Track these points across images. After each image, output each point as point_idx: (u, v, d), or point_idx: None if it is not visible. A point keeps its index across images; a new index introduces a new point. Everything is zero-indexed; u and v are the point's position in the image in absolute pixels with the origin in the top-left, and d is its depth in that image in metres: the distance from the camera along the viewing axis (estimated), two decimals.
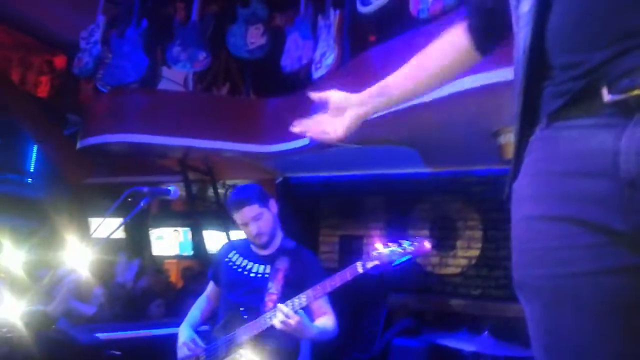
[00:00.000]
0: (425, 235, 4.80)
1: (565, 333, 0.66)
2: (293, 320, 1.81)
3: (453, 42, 0.97)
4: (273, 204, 2.18)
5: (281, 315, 1.82)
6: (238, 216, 2.11)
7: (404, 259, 1.79)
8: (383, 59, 3.35)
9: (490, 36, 0.95)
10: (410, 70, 1.00)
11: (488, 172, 4.59)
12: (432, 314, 4.47)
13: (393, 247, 1.79)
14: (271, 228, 2.14)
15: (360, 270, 1.79)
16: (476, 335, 3.06)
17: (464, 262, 4.66)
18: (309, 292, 1.88)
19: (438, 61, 0.98)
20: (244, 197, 2.12)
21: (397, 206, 5.07)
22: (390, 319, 4.43)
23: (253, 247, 2.21)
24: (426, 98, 2.84)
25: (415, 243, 1.79)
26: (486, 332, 3.03)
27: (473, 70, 2.60)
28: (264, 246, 2.15)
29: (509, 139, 3.30)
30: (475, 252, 4.62)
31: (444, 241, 4.74)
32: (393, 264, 1.79)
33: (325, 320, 2.03)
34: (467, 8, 0.96)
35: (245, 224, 2.10)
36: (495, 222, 4.57)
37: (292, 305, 1.87)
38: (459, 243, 4.69)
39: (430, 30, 2.96)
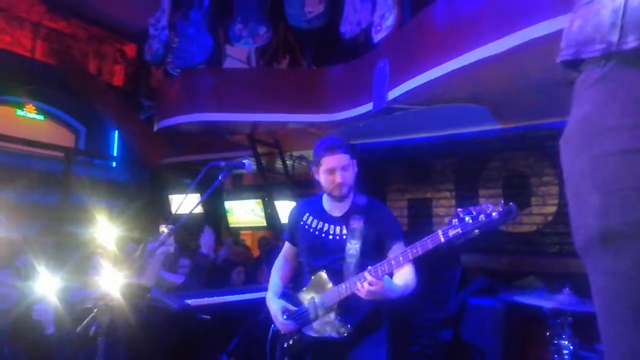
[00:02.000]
0: (497, 194, 4.68)
1: None
2: (378, 287, 1.80)
3: None
4: (356, 164, 2.15)
5: (367, 284, 1.81)
6: (329, 160, 2.05)
7: (487, 227, 1.64)
8: (444, 14, 3.24)
9: None
10: None
11: (560, 124, 4.35)
12: (507, 273, 4.39)
13: (476, 213, 1.66)
14: (352, 182, 2.11)
15: (442, 239, 1.70)
16: (555, 293, 2.99)
17: (539, 219, 4.51)
18: (392, 260, 1.84)
19: None
20: (338, 143, 2.08)
21: (466, 167, 4.96)
22: (464, 279, 4.40)
23: (327, 207, 2.19)
24: (498, 49, 2.73)
25: (500, 208, 1.63)
26: (566, 289, 2.95)
27: (544, 15, 2.48)
28: (341, 199, 2.11)
29: None
30: (551, 209, 4.45)
31: (517, 199, 4.59)
32: (476, 233, 1.66)
33: (406, 274, 1.99)
34: None
35: (333, 171, 2.05)
36: None
37: (376, 272, 1.84)
38: (533, 200, 4.54)
39: None
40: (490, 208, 1.65)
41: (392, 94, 3.83)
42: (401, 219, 5.31)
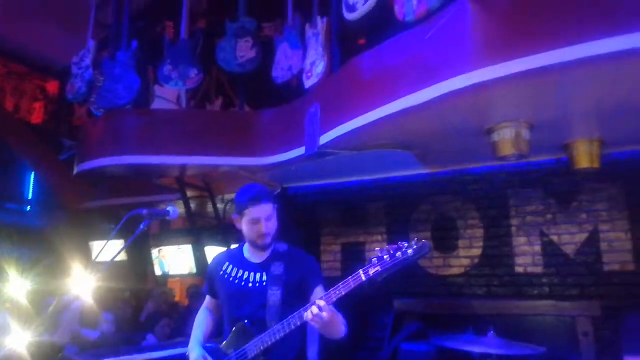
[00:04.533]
0: (427, 237, 4.78)
1: None
2: (329, 313, 1.80)
3: None
4: (276, 210, 2.16)
5: (316, 308, 1.80)
6: (253, 211, 2.05)
7: (405, 262, 1.77)
8: (372, 65, 3.36)
9: None
10: None
11: (484, 169, 4.59)
12: (438, 317, 4.44)
13: (393, 251, 1.78)
14: (275, 231, 2.12)
15: (363, 278, 1.78)
16: (482, 335, 3.05)
17: (466, 262, 4.64)
18: (314, 302, 1.85)
19: None
20: (261, 193, 2.08)
21: (397, 210, 5.07)
22: (397, 324, 4.40)
23: (247, 255, 2.19)
24: (419, 100, 2.86)
25: (416, 245, 1.77)
26: (492, 332, 3.02)
27: (463, 69, 2.62)
28: (263, 249, 2.12)
29: (503, 136, 3.30)
30: (477, 252, 4.61)
31: (446, 242, 4.73)
32: (396, 269, 1.78)
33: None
34: None
35: (257, 221, 2.06)
36: (495, 219, 4.56)
37: (329, 296, 1.85)
38: (460, 243, 4.68)
39: (417, 32, 2.97)
40: (406, 245, 1.79)
41: (324, 139, 3.87)
42: (334, 263, 5.28)
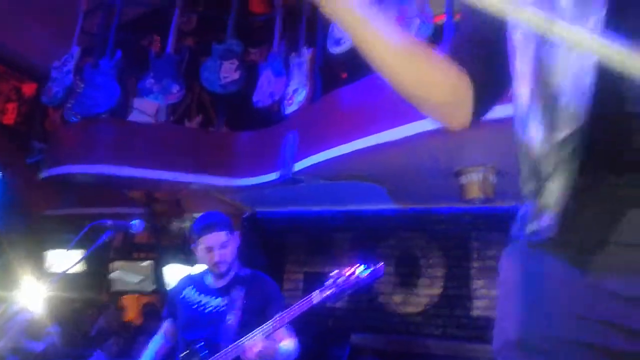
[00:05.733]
0: (390, 272, 4.82)
1: None
2: (261, 346, 1.81)
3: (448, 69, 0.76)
4: (237, 236, 2.18)
5: (251, 342, 1.81)
6: (204, 240, 2.07)
7: (359, 285, 1.82)
8: (351, 98, 3.47)
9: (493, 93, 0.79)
10: (390, 32, 0.73)
11: (450, 210, 4.71)
12: (394, 354, 4.43)
13: (347, 273, 1.82)
14: (232, 258, 2.12)
15: (316, 299, 1.81)
16: None
17: (425, 300, 4.68)
18: (269, 323, 1.88)
19: (417, 56, 0.74)
20: (214, 221, 2.10)
21: (363, 242, 5.10)
22: (353, 359, 4.37)
23: (208, 280, 2.18)
24: (392, 137, 2.96)
25: (369, 268, 1.82)
26: None
27: None
28: (221, 276, 2.12)
29: (470, 179, 3.42)
30: (437, 291, 4.66)
31: (408, 279, 4.78)
32: (349, 291, 1.81)
33: (287, 343, 2.01)
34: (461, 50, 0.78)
35: (210, 250, 2.07)
36: (457, 259, 4.65)
37: (259, 332, 1.86)
38: (421, 281, 4.73)
39: None
40: (360, 268, 1.83)
41: (298, 165, 3.92)
42: (295, 292, 5.24)
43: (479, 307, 4.47)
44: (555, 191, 0.62)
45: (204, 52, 4.97)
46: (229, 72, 4.62)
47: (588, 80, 0.58)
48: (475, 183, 3.34)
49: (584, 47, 0.49)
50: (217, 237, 2.06)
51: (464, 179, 3.44)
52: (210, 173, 4.83)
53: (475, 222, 4.64)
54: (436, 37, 3.15)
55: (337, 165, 3.64)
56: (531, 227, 0.67)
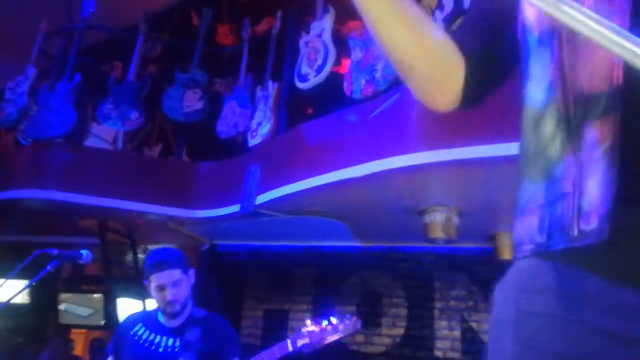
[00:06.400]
0: (352, 311, 4.71)
1: None
2: None
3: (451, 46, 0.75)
4: (192, 274, 2.10)
5: None
6: (156, 278, 1.99)
7: (335, 337, 1.75)
8: (316, 133, 3.45)
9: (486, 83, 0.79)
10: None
11: (413, 249, 4.68)
12: None
13: (324, 324, 1.75)
14: (186, 297, 2.04)
15: (290, 348, 1.74)
16: None
17: (387, 340, 4.59)
18: None
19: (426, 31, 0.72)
20: (167, 258, 2.02)
21: (325, 280, 5.00)
22: None
23: (161, 319, 2.09)
24: (357, 173, 2.93)
25: (346, 321, 1.76)
26: None
27: (402, 150, 2.73)
28: (174, 315, 2.03)
29: (433, 219, 3.40)
30: (400, 331, 4.58)
31: (371, 318, 4.68)
32: (324, 343, 1.74)
33: None
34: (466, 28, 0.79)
35: (162, 288, 1.98)
36: (419, 299, 4.60)
37: None
38: (384, 320, 4.64)
39: (362, 108, 3.09)
40: (338, 320, 1.77)
41: (261, 199, 3.84)
42: (255, 330, 5.05)
43: (440, 348, 4.41)
44: (594, 191, 0.58)
45: (167, 80, 4.88)
46: (191, 101, 4.53)
47: (618, 79, 0.57)
48: (439, 224, 3.32)
49: (608, 45, 0.45)
50: (169, 276, 1.98)
51: (427, 218, 3.42)
52: (168, 203, 4.68)
53: (438, 262, 4.62)
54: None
55: (300, 200, 3.58)
56: (572, 231, 0.59)
